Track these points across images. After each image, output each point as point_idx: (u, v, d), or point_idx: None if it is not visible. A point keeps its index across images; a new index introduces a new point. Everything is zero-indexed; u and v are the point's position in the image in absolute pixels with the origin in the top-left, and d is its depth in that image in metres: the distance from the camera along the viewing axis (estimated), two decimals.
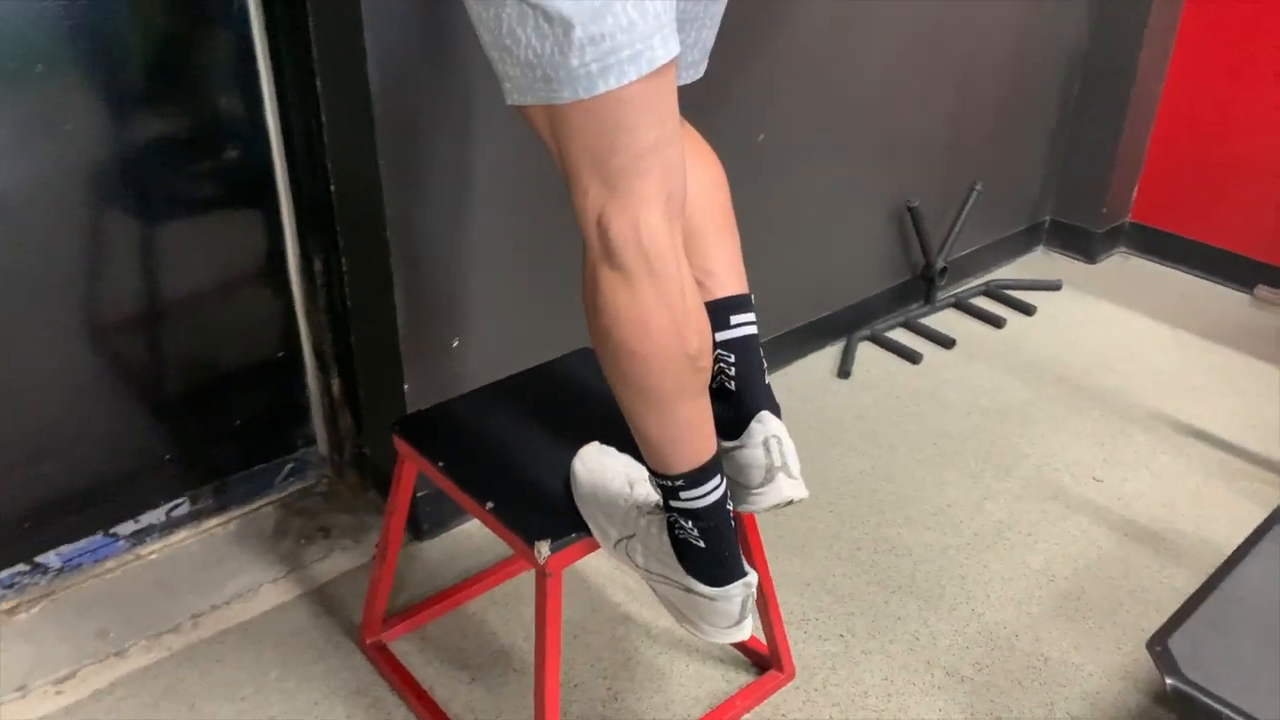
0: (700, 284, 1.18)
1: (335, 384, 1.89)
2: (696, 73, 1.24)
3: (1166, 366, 2.47)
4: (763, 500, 1.19)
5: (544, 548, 1.21)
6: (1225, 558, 1.42)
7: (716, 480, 1.12)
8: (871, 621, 1.70)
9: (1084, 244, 2.99)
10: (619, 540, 1.21)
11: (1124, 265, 2.99)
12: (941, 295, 2.70)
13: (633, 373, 1.05)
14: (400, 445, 1.42)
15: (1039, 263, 3.00)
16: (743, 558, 1.16)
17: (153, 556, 1.81)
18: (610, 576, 1.78)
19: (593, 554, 1.79)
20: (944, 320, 2.65)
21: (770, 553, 1.84)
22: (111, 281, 1.63)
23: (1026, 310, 2.71)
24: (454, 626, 1.67)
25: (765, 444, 1.18)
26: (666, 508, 1.15)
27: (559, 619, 1.26)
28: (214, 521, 1.88)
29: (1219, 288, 2.83)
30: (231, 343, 1.80)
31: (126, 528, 1.79)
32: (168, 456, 1.79)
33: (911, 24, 2.28)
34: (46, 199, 1.53)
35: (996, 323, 2.64)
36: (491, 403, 1.47)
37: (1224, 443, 2.17)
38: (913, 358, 2.47)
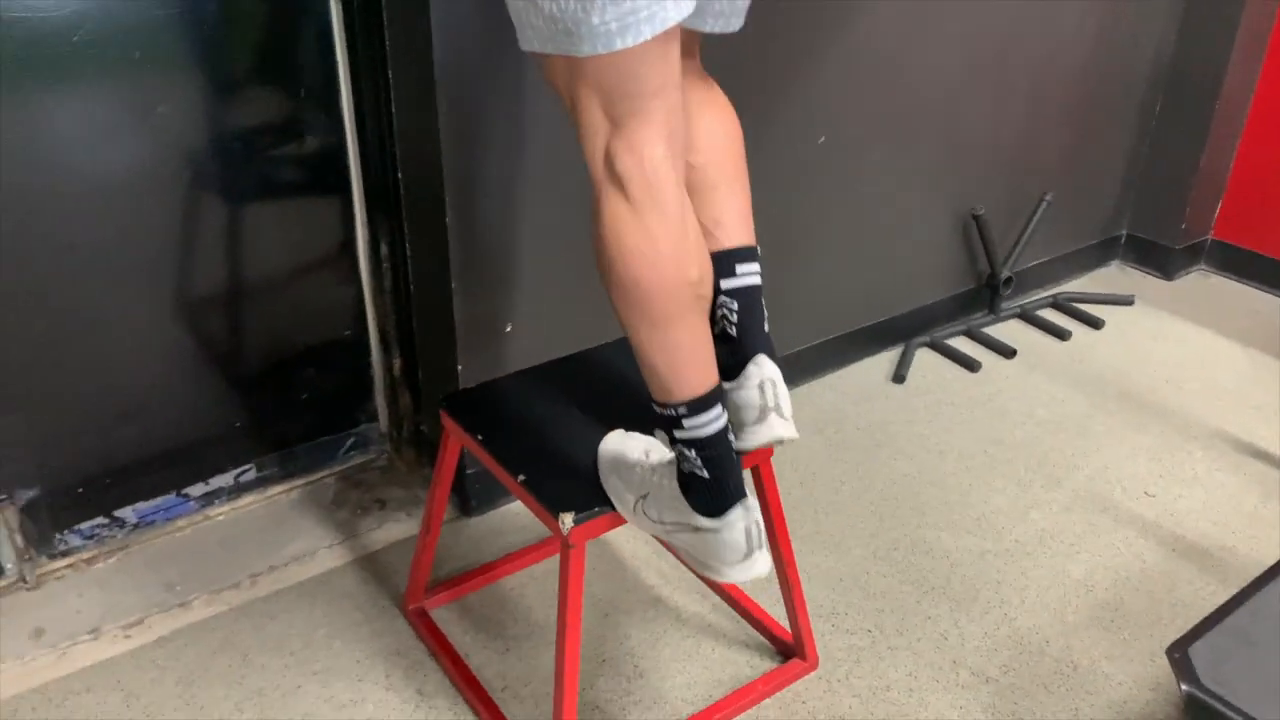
0: (709, 233, 1.26)
1: (397, 364, 1.98)
2: (729, 25, 1.27)
3: (1235, 385, 2.41)
4: (755, 438, 1.26)
5: (568, 519, 1.27)
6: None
7: (718, 410, 1.18)
8: (901, 619, 1.71)
9: (1161, 260, 2.93)
10: (636, 501, 1.26)
11: (1203, 283, 2.91)
12: (1007, 305, 2.68)
13: (639, 300, 1.12)
14: (446, 420, 1.50)
15: (1113, 277, 2.95)
16: (744, 488, 1.21)
17: (220, 517, 1.93)
18: (645, 560, 1.83)
19: (630, 538, 1.85)
20: (1008, 330, 2.63)
21: (805, 546, 1.87)
22: (195, 258, 1.75)
23: (1094, 324, 2.67)
24: (493, 599, 1.74)
25: (760, 386, 1.25)
26: (672, 440, 1.20)
27: (580, 589, 1.31)
28: (278, 489, 1.99)
29: None
30: (303, 321, 1.90)
31: (198, 489, 1.90)
32: (238, 425, 1.90)
33: (982, 29, 2.28)
34: (141, 178, 1.64)
35: (1061, 335, 2.61)
36: (533, 385, 1.53)
37: None
38: (971, 366, 2.46)
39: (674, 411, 1.18)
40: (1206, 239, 2.96)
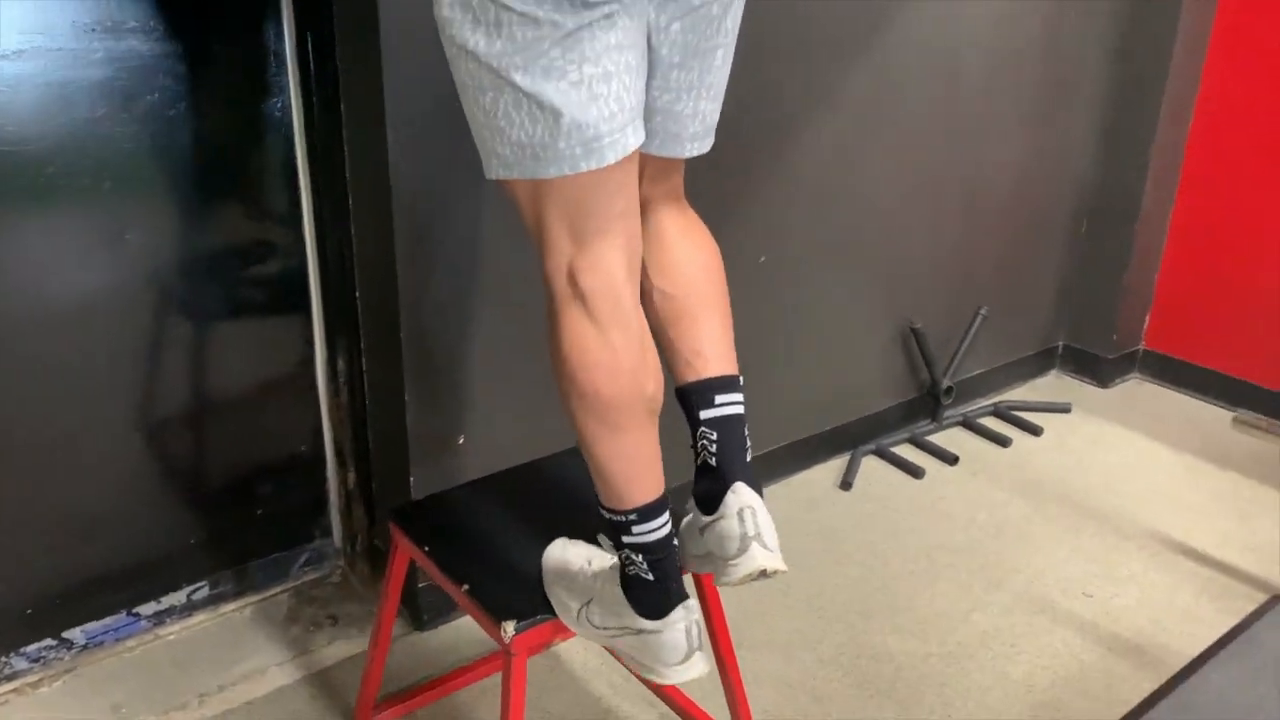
0: (689, 363, 1.31)
1: (351, 478, 2.02)
2: (702, 146, 1.30)
3: (1169, 489, 2.49)
4: (738, 570, 1.22)
5: (510, 627, 1.30)
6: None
7: (665, 517, 1.23)
8: None
9: (1096, 369, 3.05)
10: (580, 609, 1.30)
11: (1137, 390, 3.03)
12: (949, 414, 2.77)
13: (598, 410, 1.18)
14: (394, 532, 1.54)
15: (1052, 386, 3.06)
16: (685, 590, 1.25)
17: (171, 636, 1.93)
18: (595, 670, 1.84)
19: (580, 650, 1.87)
20: (950, 438, 2.71)
21: (753, 653, 1.90)
22: (156, 378, 1.80)
23: (1034, 431, 2.76)
24: (444, 713, 1.75)
25: (740, 514, 1.23)
26: (619, 545, 1.25)
27: (522, 699, 1.33)
28: (231, 606, 1.99)
29: (1229, 413, 2.85)
30: (261, 438, 1.95)
31: (149, 608, 1.91)
32: (192, 541, 1.92)
33: (917, 157, 2.43)
34: (107, 304, 1.71)
35: (1002, 442, 2.70)
36: (482, 496, 1.58)
37: (1219, 563, 2.18)
38: (915, 473, 2.54)
39: (624, 518, 1.23)
40: (1139, 349, 3.09)
